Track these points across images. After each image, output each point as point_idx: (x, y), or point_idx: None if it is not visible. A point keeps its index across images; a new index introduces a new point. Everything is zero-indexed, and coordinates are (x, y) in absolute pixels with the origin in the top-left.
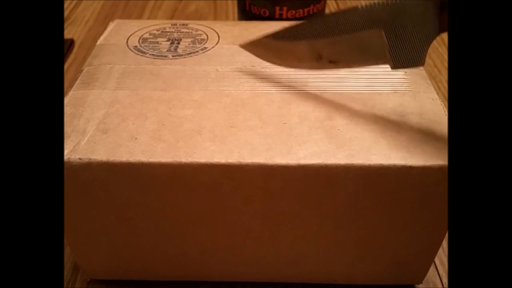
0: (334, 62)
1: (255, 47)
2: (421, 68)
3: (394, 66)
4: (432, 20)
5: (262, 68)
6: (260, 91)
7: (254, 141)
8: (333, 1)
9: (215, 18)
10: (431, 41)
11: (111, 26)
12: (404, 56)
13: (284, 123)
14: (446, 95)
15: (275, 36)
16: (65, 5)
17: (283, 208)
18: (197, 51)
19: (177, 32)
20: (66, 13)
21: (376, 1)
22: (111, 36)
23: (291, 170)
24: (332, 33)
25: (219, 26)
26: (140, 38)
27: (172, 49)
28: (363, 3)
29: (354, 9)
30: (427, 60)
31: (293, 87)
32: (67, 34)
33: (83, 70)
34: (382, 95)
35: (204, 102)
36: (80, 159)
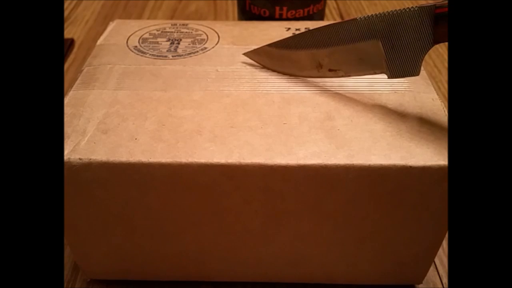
0: (334, 71)
1: (258, 55)
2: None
3: (391, 76)
4: (427, 31)
5: (262, 68)
6: (260, 91)
7: (254, 141)
8: (333, 1)
9: (215, 18)
10: (426, 52)
11: (111, 26)
12: (400, 66)
13: (284, 123)
14: (446, 95)
15: (278, 44)
16: (65, 5)
17: (283, 208)
18: (197, 51)
19: (177, 32)
20: (66, 13)
21: (374, 13)
22: (111, 36)
23: (291, 170)
24: (332, 43)
25: (219, 26)
26: (140, 38)
27: (172, 49)
28: (363, 3)
29: (353, 20)
30: (427, 60)
31: (293, 87)
32: (67, 34)
33: (83, 70)
34: (382, 95)
35: (204, 102)
36: (80, 159)
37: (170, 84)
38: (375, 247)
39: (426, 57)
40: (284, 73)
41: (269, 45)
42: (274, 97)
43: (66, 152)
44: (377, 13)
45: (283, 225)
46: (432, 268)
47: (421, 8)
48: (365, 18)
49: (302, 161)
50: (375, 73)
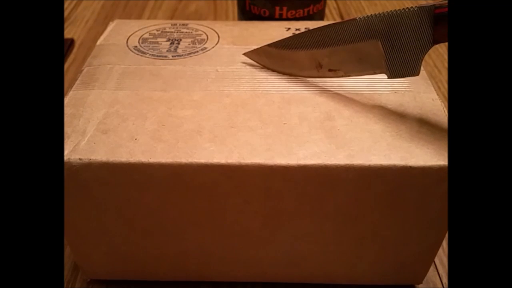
0: (334, 71)
1: (258, 55)
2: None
3: (390, 76)
4: (427, 31)
5: (262, 68)
6: (260, 91)
7: (254, 141)
8: (333, 1)
9: (215, 18)
10: (426, 52)
11: (111, 26)
12: (400, 66)
13: (284, 124)
14: (446, 95)
15: (278, 44)
16: (65, 5)
17: (283, 208)
18: (197, 51)
19: (177, 32)
20: (66, 13)
21: (373, 13)
22: (111, 36)
23: (291, 170)
24: (332, 43)
25: (219, 26)
26: (140, 38)
27: (172, 49)
28: (363, 3)
29: (353, 20)
30: (427, 60)
31: (293, 87)
32: (67, 34)
33: (83, 70)
34: (382, 95)
35: (204, 103)
36: (80, 159)
37: (170, 84)
38: (375, 247)
39: (426, 57)
40: (284, 73)
41: (269, 45)
42: (274, 97)
43: (66, 152)
44: (377, 13)
45: (283, 225)
46: (432, 268)
47: (421, 8)
48: (364, 18)
49: (302, 161)
50: (375, 73)
